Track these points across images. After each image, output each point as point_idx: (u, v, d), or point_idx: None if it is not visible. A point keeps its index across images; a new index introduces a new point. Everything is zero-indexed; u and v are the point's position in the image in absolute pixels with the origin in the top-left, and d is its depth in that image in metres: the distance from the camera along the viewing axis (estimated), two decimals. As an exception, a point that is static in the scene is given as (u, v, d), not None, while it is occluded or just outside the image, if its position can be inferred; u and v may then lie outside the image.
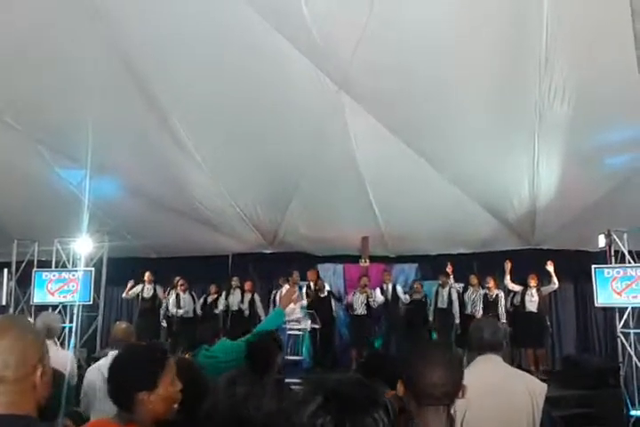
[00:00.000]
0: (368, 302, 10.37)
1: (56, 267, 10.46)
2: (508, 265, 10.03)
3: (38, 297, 10.10)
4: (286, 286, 10.62)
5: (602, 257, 9.16)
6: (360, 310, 10.46)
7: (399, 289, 10.69)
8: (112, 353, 2.43)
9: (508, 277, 10.01)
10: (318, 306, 10.27)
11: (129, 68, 7.12)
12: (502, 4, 5.76)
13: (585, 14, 5.66)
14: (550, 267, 9.75)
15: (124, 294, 11.35)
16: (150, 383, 2.03)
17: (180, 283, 11.00)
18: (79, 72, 7.14)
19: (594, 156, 7.78)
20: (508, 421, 2.71)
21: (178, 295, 11.01)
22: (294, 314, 9.78)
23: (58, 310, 10.09)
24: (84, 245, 10.24)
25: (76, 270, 10.13)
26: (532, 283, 9.92)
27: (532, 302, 9.85)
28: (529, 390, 2.79)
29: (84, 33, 6.57)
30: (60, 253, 10.46)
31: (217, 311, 11.02)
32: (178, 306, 10.94)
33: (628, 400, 8.36)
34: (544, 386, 2.86)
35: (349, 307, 10.60)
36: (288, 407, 1.22)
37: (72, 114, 7.76)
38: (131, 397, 2.00)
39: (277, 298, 10.80)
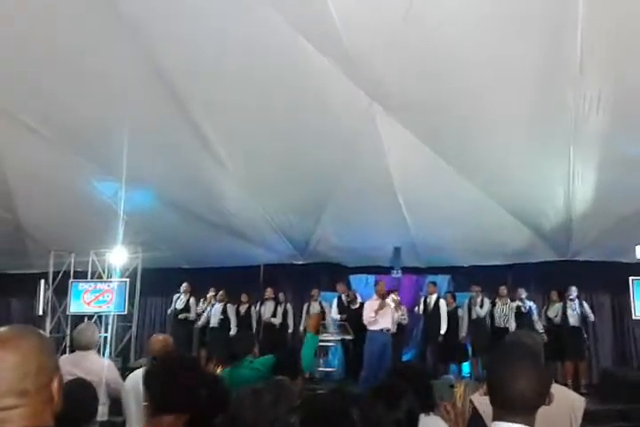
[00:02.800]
0: (400, 320, 10.20)
1: (91, 277, 10.63)
2: (573, 293, 9.81)
3: (74, 307, 10.27)
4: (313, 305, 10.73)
5: (639, 268, 8.99)
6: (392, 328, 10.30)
7: (442, 302, 10.40)
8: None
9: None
10: (350, 317, 10.18)
11: (164, 81, 7.22)
12: (537, 13, 5.71)
13: (619, 23, 5.58)
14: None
15: (169, 311, 11.39)
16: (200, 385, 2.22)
17: (218, 293, 11.10)
18: (115, 85, 7.29)
19: (630, 165, 7.64)
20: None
21: (213, 305, 11.12)
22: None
23: (93, 320, 10.24)
24: (118, 257, 10.39)
25: (111, 281, 10.27)
26: (572, 296, 9.75)
27: (574, 316, 9.67)
28: (567, 403, 2.74)
29: (120, 47, 6.70)
30: (96, 264, 10.64)
31: (251, 322, 11.08)
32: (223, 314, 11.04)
33: (667, 415, 8.16)
34: (583, 400, 2.81)
35: None
36: None
37: (108, 126, 7.92)
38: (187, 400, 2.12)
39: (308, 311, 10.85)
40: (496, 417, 1.73)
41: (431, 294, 10.58)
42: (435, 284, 10.81)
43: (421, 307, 10.49)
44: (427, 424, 2.84)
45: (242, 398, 1.99)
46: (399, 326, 10.22)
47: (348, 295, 10.64)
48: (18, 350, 1.35)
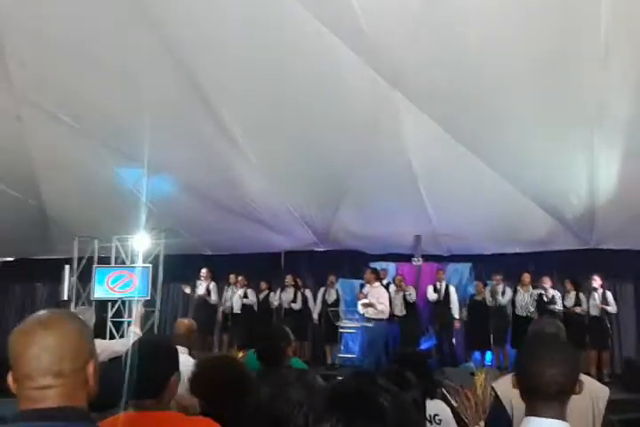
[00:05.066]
0: (406, 298, 10.29)
1: (115, 263, 10.76)
2: (596, 281, 9.71)
3: (98, 292, 10.40)
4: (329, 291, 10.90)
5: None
6: (399, 310, 10.38)
7: (452, 290, 10.55)
8: (179, 349, 2.52)
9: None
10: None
11: (184, 69, 7.26)
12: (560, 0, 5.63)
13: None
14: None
15: (194, 295, 11.56)
16: (176, 367, 2.18)
17: (239, 279, 11.29)
18: (136, 73, 7.33)
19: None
20: (570, 424, 2.66)
21: (235, 291, 11.27)
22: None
23: (117, 305, 10.38)
24: (141, 243, 10.49)
25: (135, 267, 10.38)
26: (595, 284, 9.66)
27: (595, 306, 9.59)
28: (590, 393, 2.73)
29: (141, 37, 6.75)
30: (119, 250, 10.74)
31: (272, 307, 11.18)
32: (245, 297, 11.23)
33: (691, 405, 8.08)
34: (606, 390, 2.80)
35: None
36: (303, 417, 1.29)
37: (130, 114, 7.97)
38: (166, 381, 2.13)
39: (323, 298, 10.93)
40: (529, 411, 1.73)
41: (440, 280, 10.56)
42: (443, 270, 10.80)
43: (432, 294, 10.46)
44: (430, 408, 3.09)
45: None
46: (409, 307, 10.28)
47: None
48: (58, 333, 1.39)
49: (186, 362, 2.62)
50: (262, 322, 10.57)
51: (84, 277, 10.93)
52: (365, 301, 9.68)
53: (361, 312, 9.79)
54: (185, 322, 4.49)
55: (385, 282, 10.63)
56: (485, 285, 10.43)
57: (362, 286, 10.58)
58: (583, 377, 2.97)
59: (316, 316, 10.98)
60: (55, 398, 1.36)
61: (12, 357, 1.38)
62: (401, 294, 10.34)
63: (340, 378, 1.35)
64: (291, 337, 3.38)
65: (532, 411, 1.72)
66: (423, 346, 10.27)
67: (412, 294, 10.34)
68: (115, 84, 7.60)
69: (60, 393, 1.36)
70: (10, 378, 1.39)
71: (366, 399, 1.21)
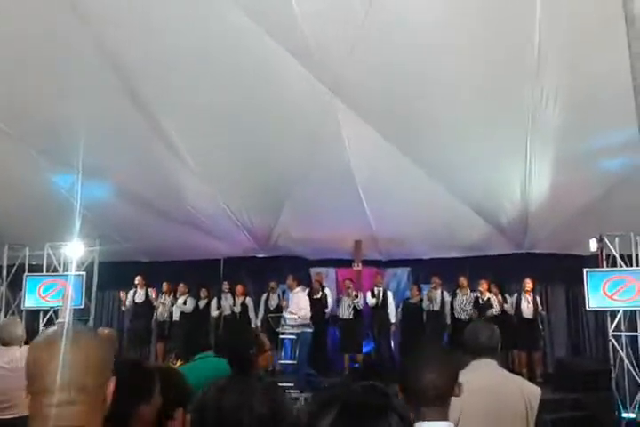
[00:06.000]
0: (354, 304, 10.38)
1: (47, 271, 10.41)
2: (528, 284, 10.00)
3: (29, 302, 10.05)
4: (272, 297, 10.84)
5: (593, 261, 9.21)
6: (346, 314, 10.46)
7: (389, 294, 10.67)
8: None
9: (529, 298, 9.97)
10: (312, 309, 10.13)
11: (120, 73, 7.09)
12: (496, 6, 5.77)
13: (578, 18, 5.68)
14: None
15: (123, 307, 11.37)
16: (149, 396, 2.02)
17: (180, 287, 11.16)
18: (70, 76, 7.10)
19: (586, 159, 7.81)
20: (503, 424, 2.72)
21: (177, 299, 11.14)
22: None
23: (49, 314, 10.05)
24: (75, 250, 10.19)
25: (68, 275, 10.08)
26: (527, 287, 9.95)
27: (528, 308, 9.86)
28: (524, 393, 2.79)
29: (74, 38, 6.54)
30: (52, 258, 10.41)
31: (212, 315, 11.06)
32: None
33: (619, 403, 8.40)
34: (538, 390, 2.87)
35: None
36: (303, 422, 1.23)
37: (64, 118, 7.72)
38: (132, 410, 1.96)
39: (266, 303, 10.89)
40: (416, 417, 1.82)
41: (378, 285, 10.66)
42: (381, 275, 10.95)
43: (370, 299, 10.55)
44: None
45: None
46: (356, 312, 10.40)
47: (314, 286, 10.67)
48: (84, 346, 1.34)
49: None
50: (201, 330, 10.43)
51: (14, 287, 10.54)
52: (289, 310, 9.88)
53: (287, 319, 9.87)
54: (105, 332, 4.46)
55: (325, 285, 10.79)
56: (420, 289, 10.60)
57: (283, 292, 10.71)
58: (515, 377, 3.05)
59: (259, 323, 10.90)
60: (74, 417, 1.28)
61: (32, 370, 1.31)
62: (349, 298, 10.40)
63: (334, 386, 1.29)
64: (264, 346, 3.29)
65: (418, 417, 1.82)
66: (364, 349, 10.38)
67: (359, 302, 10.42)
68: (49, 89, 7.35)
69: (79, 412, 1.29)
70: (25, 395, 1.31)
71: (376, 413, 1.19)
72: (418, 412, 1.82)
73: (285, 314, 9.99)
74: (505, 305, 10.03)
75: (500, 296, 10.12)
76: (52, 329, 1.38)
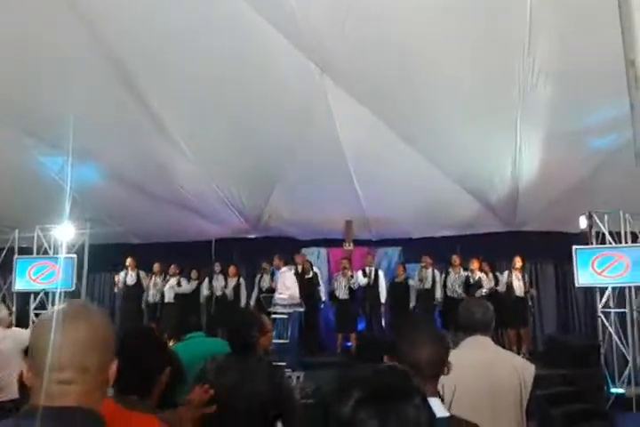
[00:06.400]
0: (350, 284, 10.44)
1: (37, 254, 10.37)
2: (518, 262, 10.05)
3: (20, 284, 10.02)
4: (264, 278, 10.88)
5: (582, 238, 9.28)
6: (342, 294, 10.53)
7: (380, 274, 10.70)
8: None
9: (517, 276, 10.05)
10: (303, 289, 10.18)
11: (109, 54, 6.97)
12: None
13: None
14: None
15: (116, 289, 11.34)
16: (166, 364, 2.06)
17: (172, 268, 11.13)
18: (59, 58, 6.99)
19: (576, 137, 7.81)
20: (497, 400, 2.74)
21: (168, 281, 11.14)
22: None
23: (40, 296, 10.03)
24: (65, 232, 10.15)
25: (58, 257, 10.04)
26: (517, 265, 10.01)
27: (519, 286, 9.93)
28: (517, 370, 2.82)
29: (63, 21, 6.42)
30: (42, 240, 10.37)
31: (202, 296, 11.08)
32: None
33: (608, 378, 8.54)
34: (532, 367, 2.89)
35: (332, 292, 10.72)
36: (326, 403, 1.24)
37: (52, 100, 7.62)
38: (153, 380, 1.99)
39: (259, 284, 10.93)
40: None
41: (369, 265, 10.71)
42: (372, 255, 10.99)
43: (362, 278, 10.59)
44: None
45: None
46: (351, 292, 10.49)
47: (303, 266, 10.70)
48: (90, 326, 1.33)
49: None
50: (193, 311, 10.44)
51: (5, 269, 10.50)
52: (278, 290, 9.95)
53: (278, 299, 9.91)
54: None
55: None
56: (405, 268, 10.67)
57: (272, 273, 10.73)
58: (507, 353, 3.08)
59: (252, 302, 10.91)
60: (75, 395, 1.28)
61: (36, 347, 1.30)
62: (345, 278, 10.45)
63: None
64: (266, 327, 3.24)
65: None
66: (359, 327, 10.48)
67: (355, 283, 10.48)
68: (37, 71, 7.23)
69: (81, 391, 1.28)
70: (26, 371, 1.31)
71: (402, 395, 1.20)
72: None
73: (276, 294, 10.03)
74: (496, 283, 10.09)
75: (491, 275, 10.18)
76: (57, 307, 1.36)
